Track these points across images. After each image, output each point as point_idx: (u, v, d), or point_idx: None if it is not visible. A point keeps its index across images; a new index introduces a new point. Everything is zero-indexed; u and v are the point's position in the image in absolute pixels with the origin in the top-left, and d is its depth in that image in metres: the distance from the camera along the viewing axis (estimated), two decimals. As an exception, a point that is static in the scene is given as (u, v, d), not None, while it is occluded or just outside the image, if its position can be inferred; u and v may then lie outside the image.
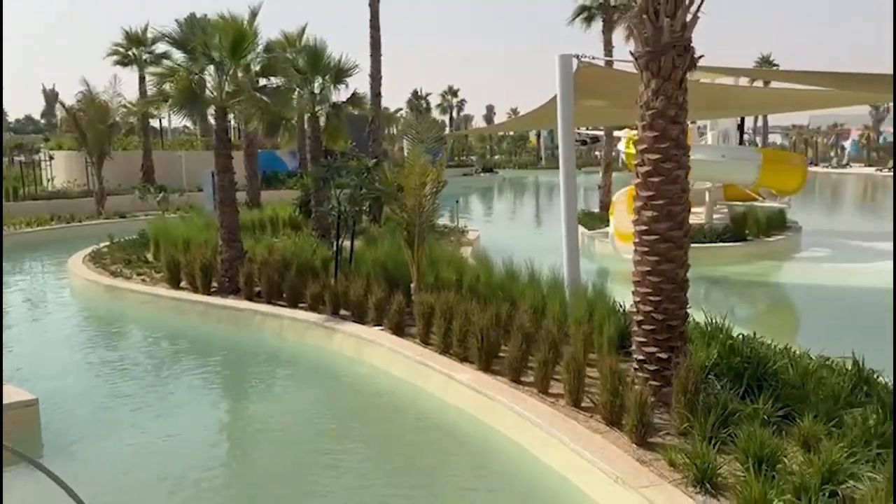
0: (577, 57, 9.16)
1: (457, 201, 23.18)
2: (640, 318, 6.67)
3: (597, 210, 24.00)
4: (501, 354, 8.02)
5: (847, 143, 76.43)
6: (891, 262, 17.04)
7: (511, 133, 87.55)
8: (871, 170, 61.99)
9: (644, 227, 6.52)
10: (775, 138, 79.53)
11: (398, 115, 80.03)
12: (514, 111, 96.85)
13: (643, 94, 6.52)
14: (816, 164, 60.65)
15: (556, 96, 9.52)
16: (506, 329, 8.28)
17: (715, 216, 19.90)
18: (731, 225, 18.89)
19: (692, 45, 6.46)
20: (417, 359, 8.60)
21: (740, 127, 24.75)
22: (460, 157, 78.78)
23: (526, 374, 7.55)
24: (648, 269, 6.51)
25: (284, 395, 9.04)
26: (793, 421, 5.84)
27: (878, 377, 6.42)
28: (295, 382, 9.56)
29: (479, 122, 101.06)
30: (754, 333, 7.63)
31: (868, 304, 13.98)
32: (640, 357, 6.72)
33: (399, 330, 9.61)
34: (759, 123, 68.28)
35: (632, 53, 6.65)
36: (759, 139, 67.70)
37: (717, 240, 17.65)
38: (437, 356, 8.59)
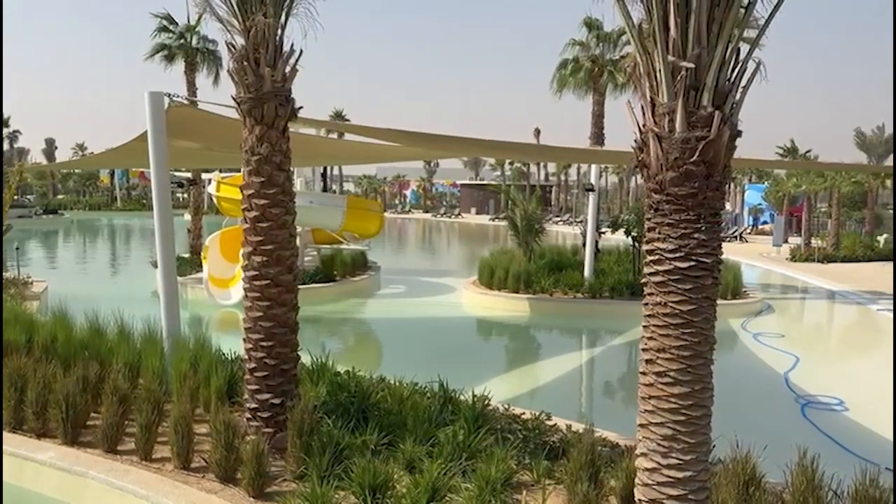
0: (169, 95, 8.70)
1: (17, 248, 19.79)
2: (252, 365, 6.54)
3: (186, 255, 22.94)
4: (92, 423, 7.03)
5: (408, 192, 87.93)
6: (447, 295, 20.10)
7: (78, 170, 78.63)
8: (428, 215, 72.32)
9: (255, 273, 6.45)
10: (349, 186, 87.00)
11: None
12: (81, 147, 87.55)
13: (247, 139, 6.50)
14: (385, 210, 68.00)
15: (144, 134, 8.88)
16: (96, 393, 7.30)
17: (306, 259, 20.79)
18: (322, 267, 19.98)
19: (293, 95, 6.70)
20: (-24, 443, 6.99)
21: (324, 175, 26.44)
22: (13, 195, 67.56)
23: (124, 441, 6.74)
24: (260, 314, 6.44)
25: None
26: (396, 447, 6.34)
27: (459, 395, 7.37)
28: None
29: (37, 157, 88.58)
30: (353, 368, 8.12)
31: (439, 331, 16.13)
32: (254, 405, 6.57)
33: (-54, 410, 7.69)
34: (336, 172, 73.99)
35: (234, 98, 6.59)
36: (335, 187, 73.25)
37: (310, 281, 18.43)
38: (5, 435, 7.10)
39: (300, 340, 6.97)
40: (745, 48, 4.16)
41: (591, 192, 19.57)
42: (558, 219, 57.98)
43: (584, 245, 19.56)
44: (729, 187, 61.76)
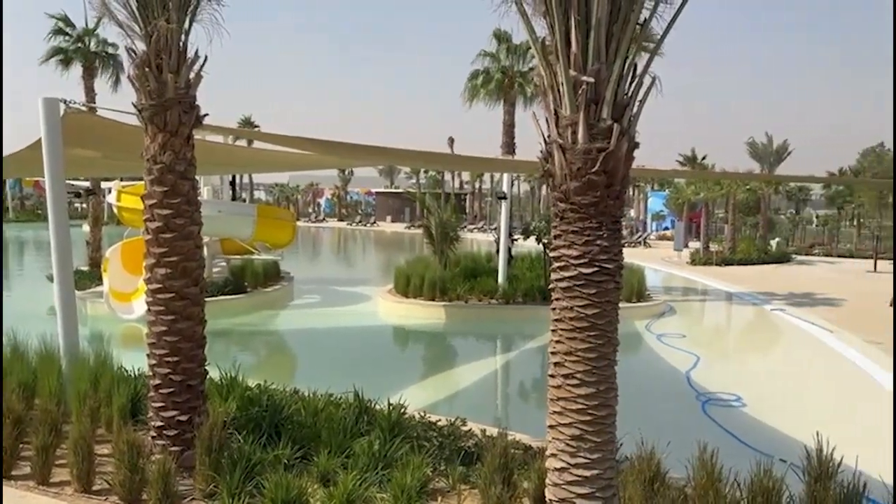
0: (65, 102, 8.29)
1: None
2: (157, 381, 6.30)
3: (86, 268, 21.84)
4: (-19, 449, 6.57)
5: (322, 201, 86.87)
6: (363, 305, 19.98)
7: (-36, 179, 73.48)
8: (343, 223, 71.71)
9: (158, 286, 6.23)
10: (260, 195, 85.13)
11: None
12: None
13: (149, 147, 6.28)
14: (298, 219, 66.79)
15: (38, 142, 8.43)
16: (-14, 417, 6.83)
17: (214, 270, 20.19)
18: (232, 278, 19.45)
19: (197, 102, 6.53)
20: None
21: (232, 183, 25.75)
22: None
23: (19, 466, 6.34)
24: (165, 328, 6.22)
25: None
26: (311, 460, 6.25)
27: (374, 405, 7.34)
28: None
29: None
30: (265, 381, 7.95)
31: (355, 341, 16.01)
32: (159, 423, 6.33)
33: None
34: (246, 180, 72.24)
35: (135, 105, 6.36)
36: (245, 195, 71.51)
37: (219, 293, 17.91)
38: None
39: (209, 355, 6.78)
40: (646, 63, 4.38)
41: (503, 200, 19.94)
42: (473, 226, 58.69)
43: (497, 252, 19.87)
44: (633, 195, 64.01)
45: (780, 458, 6.33)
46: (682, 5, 4.22)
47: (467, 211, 75.58)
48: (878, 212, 48.00)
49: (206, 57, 6.44)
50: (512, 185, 21.73)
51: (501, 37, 22.82)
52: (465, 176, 79.68)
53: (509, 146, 22.73)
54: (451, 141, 72.90)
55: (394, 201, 75.06)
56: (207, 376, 6.88)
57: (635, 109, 4.26)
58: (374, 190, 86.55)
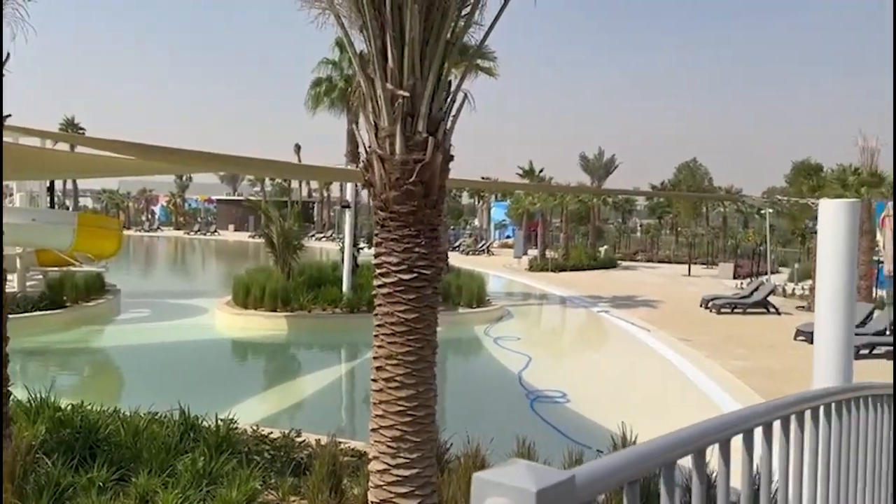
0: None
1: None
2: (-53, 407, 5.70)
3: None
4: None
5: (157, 208, 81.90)
6: (198, 318, 19.13)
7: None
8: (180, 232, 68.10)
9: (-52, 301, 5.65)
10: (86, 202, 78.92)
11: None
12: None
13: (-62, 149, 5.70)
14: (129, 228, 62.52)
15: None
16: None
17: (28, 283, 18.45)
18: (48, 292, 17.86)
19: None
20: None
21: (51, 189, 23.74)
22: None
23: None
24: (-44, 348, 5.65)
25: None
26: (130, 481, 5.93)
27: (202, 422, 7.08)
28: None
29: None
30: (82, 402, 7.44)
31: (187, 357, 15.26)
32: (-49, 453, 5.72)
33: None
34: (70, 186, 66.72)
35: (-80, 101, 5.74)
36: (69, 202, 66.05)
37: (33, 308, 16.39)
38: None
39: (20, 375, 6.27)
40: (459, 80, 4.62)
41: (347, 209, 19.94)
42: (322, 235, 57.88)
43: (343, 260, 19.80)
44: (478, 205, 65.95)
45: (596, 448, 6.86)
46: (492, 26, 4.52)
47: (315, 219, 74.48)
48: (692, 221, 53.05)
49: (8, 54, 5.98)
50: (357, 193, 21.77)
51: (343, 45, 22.83)
52: (314, 184, 78.51)
53: (354, 155, 22.78)
54: (298, 148, 71.57)
55: (237, 209, 72.28)
56: (12, 398, 6.35)
57: (449, 124, 4.48)
58: (214, 197, 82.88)
